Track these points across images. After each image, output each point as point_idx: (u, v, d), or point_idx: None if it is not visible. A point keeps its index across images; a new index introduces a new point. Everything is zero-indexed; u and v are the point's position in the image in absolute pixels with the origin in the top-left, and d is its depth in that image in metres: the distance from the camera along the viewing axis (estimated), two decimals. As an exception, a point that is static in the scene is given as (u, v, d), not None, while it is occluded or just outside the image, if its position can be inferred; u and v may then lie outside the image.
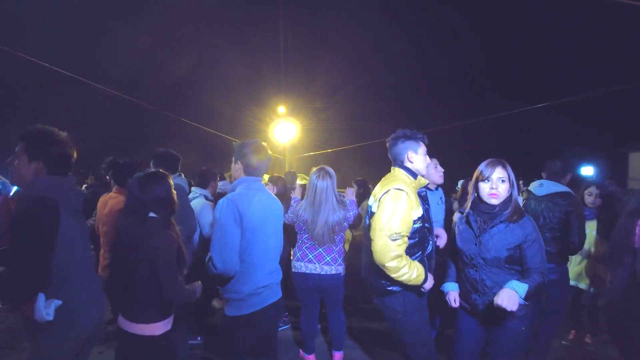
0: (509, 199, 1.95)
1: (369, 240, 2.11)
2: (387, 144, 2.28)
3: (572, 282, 3.56)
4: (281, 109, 13.05)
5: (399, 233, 1.98)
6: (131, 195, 1.84)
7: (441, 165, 3.26)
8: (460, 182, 5.02)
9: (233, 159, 2.13)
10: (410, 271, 2.00)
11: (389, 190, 2.06)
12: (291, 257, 3.15)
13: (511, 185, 1.96)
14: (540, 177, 3.16)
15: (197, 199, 3.41)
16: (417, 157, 2.19)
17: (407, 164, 2.20)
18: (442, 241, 2.58)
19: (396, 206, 2.00)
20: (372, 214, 2.15)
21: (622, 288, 1.90)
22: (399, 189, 2.04)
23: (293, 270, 3.01)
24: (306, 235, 2.97)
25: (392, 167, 2.27)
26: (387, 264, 1.97)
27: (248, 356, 2.10)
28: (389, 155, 2.29)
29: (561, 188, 2.93)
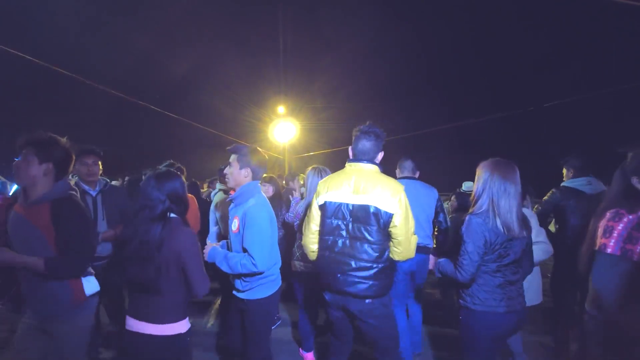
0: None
1: (366, 236, 2.10)
2: (359, 134, 2.19)
3: None
4: (281, 109, 13.06)
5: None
6: (149, 194, 1.76)
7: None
8: (465, 184, 4.96)
9: (238, 165, 2.23)
10: None
11: (399, 190, 2.12)
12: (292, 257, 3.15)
13: (476, 182, 2.00)
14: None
15: (218, 194, 3.58)
16: (379, 159, 2.27)
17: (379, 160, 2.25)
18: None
19: (408, 203, 2.14)
20: (387, 215, 2.05)
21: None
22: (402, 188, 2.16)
23: (294, 269, 3.02)
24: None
25: (363, 163, 2.17)
26: (410, 255, 2.16)
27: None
28: (357, 148, 2.20)
29: (603, 187, 2.85)
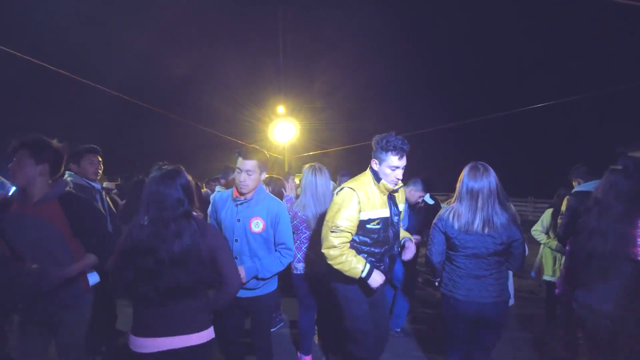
0: None
1: None
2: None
3: (549, 278, 3.72)
4: (280, 109, 13.07)
5: (339, 227, 2.19)
6: (168, 195, 1.63)
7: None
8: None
9: (259, 170, 2.29)
10: (344, 262, 2.19)
11: (343, 187, 2.26)
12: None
13: None
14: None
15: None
16: (379, 168, 2.28)
17: (374, 168, 2.32)
18: (408, 253, 2.45)
19: (343, 203, 2.21)
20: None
21: (619, 298, 1.89)
22: (351, 189, 2.23)
23: (294, 272, 2.94)
24: (305, 235, 2.91)
25: None
26: (323, 251, 2.23)
27: None
28: None
29: None
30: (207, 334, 1.68)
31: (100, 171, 2.93)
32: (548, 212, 3.88)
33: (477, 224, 2.10)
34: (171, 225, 1.60)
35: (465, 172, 2.19)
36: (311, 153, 13.93)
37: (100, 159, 2.93)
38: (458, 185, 2.20)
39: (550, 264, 3.77)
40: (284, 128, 11.78)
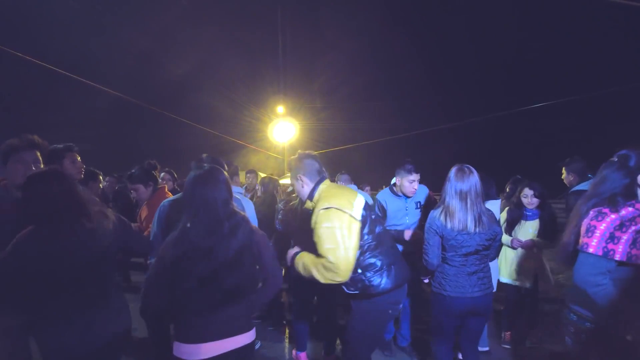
0: None
1: None
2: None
3: (508, 280, 3.45)
4: (280, 108, 13.09)
5: None
6: (222, 197, 1.62)
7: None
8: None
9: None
10: None
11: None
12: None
13: None
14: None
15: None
16: None
17: None
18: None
19: None
20: None
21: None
22: None
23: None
24: (305, 236, 2.94)
25: None
26: None
27: None
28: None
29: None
30: (254, 332, 1.71)
31: (82, 170, 2.78)
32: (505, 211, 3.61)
33: (470, 222, 2.20)
34: (225, 224, 1.60)
35: (452, 174, 2.29)
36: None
37: (79, 158, 2.76)
38: (445, 186, 2.31)
39: (508, 266, 3.46)
40: (283, 128, 11.82)
